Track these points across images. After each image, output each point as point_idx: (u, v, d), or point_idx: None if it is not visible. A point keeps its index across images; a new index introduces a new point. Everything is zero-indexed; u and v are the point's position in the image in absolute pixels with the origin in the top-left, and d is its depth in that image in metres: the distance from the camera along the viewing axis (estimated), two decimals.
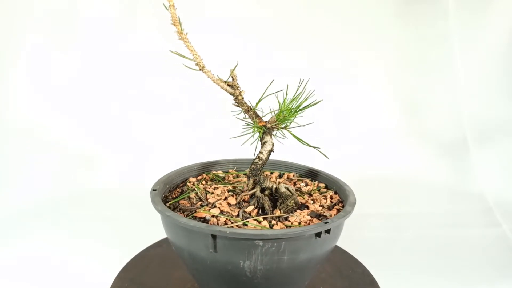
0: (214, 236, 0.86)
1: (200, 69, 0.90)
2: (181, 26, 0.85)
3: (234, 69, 0.93)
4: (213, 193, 1.09)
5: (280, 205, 1.00)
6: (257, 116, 1.00)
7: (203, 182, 1.19)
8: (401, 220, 1.83)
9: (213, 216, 0.95)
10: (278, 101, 0.98)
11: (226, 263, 0.89)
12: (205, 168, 1.26)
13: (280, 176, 1.25)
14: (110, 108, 2.22)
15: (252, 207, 0.99)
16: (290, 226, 0.93)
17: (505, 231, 1.76)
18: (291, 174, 1.25)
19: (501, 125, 2.21)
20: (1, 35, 2.05)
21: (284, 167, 1.29)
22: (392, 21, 2.27)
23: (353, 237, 1.60)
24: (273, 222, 0.94)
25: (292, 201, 0.99)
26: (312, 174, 1.25)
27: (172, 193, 1.13)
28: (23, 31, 2.08)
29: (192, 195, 1.07)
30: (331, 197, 1.11)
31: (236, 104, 0.98)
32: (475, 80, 2.25)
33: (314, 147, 1.00)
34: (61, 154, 2.10)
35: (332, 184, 1.17)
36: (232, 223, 0.92)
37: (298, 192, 1.10)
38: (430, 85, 2.31)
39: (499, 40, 2.18)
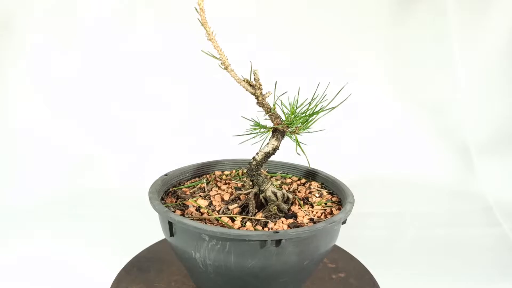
0: (170, 222, 0.91)
1: (225, 68, 0.93)
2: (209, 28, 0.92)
3: (251, 68, 0.93)
4: (220, 187, 1.12)
5: (264, 209, 1.00)
6: (277, 117, 0.98)
7: (224, 176, 1.21)
8: (401, 219, 1.83)
9: (198, 206, 1.00)
10: (284, 105, 0.98)
11: (182, 251, 0.94)
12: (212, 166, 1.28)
13: (304, 184, 1.20)
14: (110, 108, 2.22)
15: (236, 205, 1.00)
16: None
17: (505, 230, 1.76)
18: (317, 184, 1.19)
19: (502, 124, 2.21)
20: (1, 35, 2.05)
21: (282, 168, 1.28)
22: (391, 21, 2.27)
23: (353, 236, 1.60)
24: (248, 223, 0.93)
25: (275, 207, 0.98)
26: (311, 174, 1.24)
27: (189, 181, 1.19)
28: (23, 31, 2.08)
29: (200, 185, 1.12)
30: (331, 212, 1.03)
31: (258, 104, 0.98)
32: (475, 80, 2.25)
33: (299, 153, 0.99)
34: (61, 154, 2.10)
35: (330, 185, 1.17)
36: (208, 215, 0.95)
37: (301, 201, 1.07)
38: (430, 85, 2.31)
39: (499, 40, 2.18)
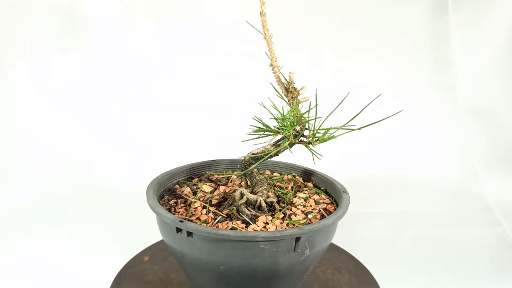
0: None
1: (272, 68, 0.98)
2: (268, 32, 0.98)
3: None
4: (241, 182, 1.18)
5: (229, 206, 1.02)
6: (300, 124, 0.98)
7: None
8: (401, 219, 1.83)
9: (197, 189, 1.13)
10: (276, 108, 0.97)
11: None
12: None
13: (325, 203, 1.12)
14: (110, 108, 2.22)
15: (217, 197, 1.07)
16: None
17: (505, 230, 1.76)
18: (333, 208, 1.09)
19: (501, 123, 2.21)
20: (1, 35, 2.05)
21: (281, 167, 1.28)
22: (392, 21, 2.27)
23: (353, 236, 1.60)
24: (210, 214, 0.99)
25: (234, 207, 0.99)
26: (307, 174, 1.23)
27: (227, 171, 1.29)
28: (23, 31, 2.08)
29: (230, 176, 1.22)
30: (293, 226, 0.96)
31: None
32: (476, 80, 2.25)
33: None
34: (61, 154, 2.11)
35: (326, 185, 1.15)
36: (193, 198, 1.08)
37: (281, 215, 1.01)
38: (430, 85, 2.31)
39: (499, 40, 2.18)
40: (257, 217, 0.97)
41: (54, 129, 2.15)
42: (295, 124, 0.96)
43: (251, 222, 0.95)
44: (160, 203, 1.06)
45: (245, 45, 2.22)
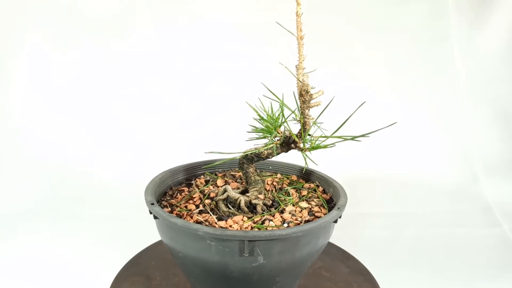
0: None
1: (297, 69, 0.98)
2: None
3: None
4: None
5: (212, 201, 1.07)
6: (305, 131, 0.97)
7: (276, 178, 1.27)
8: (401, 219, 1.83)
9: (206, 181, 1.21)
10: (265, 110, 0.97)
11: None
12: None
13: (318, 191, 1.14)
14: (110, 108, 2.22)
15: (217, 191, 1.11)
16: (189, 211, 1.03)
17: (505, 231, 1.76)
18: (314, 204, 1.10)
19: (501, 123, 2.21)
20: (1, 35, 2.05)
21: (280, 167, 1.28)
22: (392, 21, 2.26)
23: (353, 236, 1.60)
24: (201, 206, 1.04)
25: (214, 202, 1.04)
26: (327, 185, 1.20)
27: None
28: (23, 31, 2.08)
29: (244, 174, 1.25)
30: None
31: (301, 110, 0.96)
32: (476, 80, 2.25)
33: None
34: (61, 153, 2.11)
35: (325, 184, 1.15)
36: (198, 189, 1.15)
37: (261, 217, 1.00)
38: (431, 85, 2.31)
39: (500, 40, 2.17)
40: (234, 215, 0.97)
41: (54, 129, 2.15)
42: (279, 126, 0.97)
43: (216, 219, 0.96)
44: (172, 189, 1.16)
45: (245, 46, 2.23)
